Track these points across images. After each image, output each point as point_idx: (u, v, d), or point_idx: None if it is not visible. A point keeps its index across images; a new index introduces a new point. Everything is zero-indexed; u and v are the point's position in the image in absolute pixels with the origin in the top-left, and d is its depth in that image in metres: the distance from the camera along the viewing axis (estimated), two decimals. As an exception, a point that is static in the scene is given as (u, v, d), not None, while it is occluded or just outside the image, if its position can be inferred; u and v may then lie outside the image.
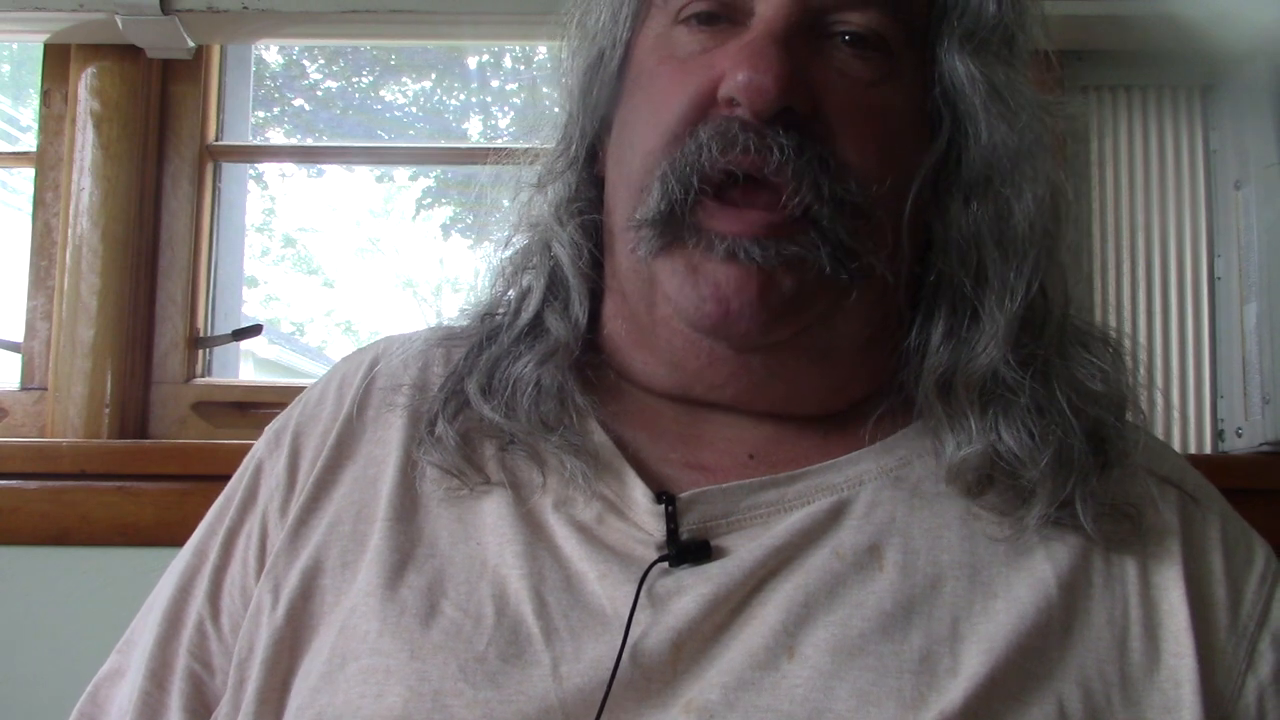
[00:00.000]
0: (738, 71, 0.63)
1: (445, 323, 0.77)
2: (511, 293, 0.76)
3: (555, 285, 0.74)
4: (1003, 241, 0.67)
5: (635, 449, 0.69)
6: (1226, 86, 1.25)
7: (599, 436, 0.69)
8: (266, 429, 0.77)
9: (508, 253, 0.77)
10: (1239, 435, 1.21)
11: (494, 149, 0.81)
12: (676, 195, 0.63)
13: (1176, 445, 1.23)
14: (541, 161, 0.77)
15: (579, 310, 0.72)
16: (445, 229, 3.35)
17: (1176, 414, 1.23)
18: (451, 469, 0.68)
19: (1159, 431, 1.22)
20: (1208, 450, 1.23)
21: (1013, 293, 0.67)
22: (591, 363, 0.72)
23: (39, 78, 1.33)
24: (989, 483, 0.66)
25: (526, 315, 0.73)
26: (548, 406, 0.68)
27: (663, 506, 0.65)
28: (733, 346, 0.66)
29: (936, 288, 0.69)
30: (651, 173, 0.65)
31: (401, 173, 3.38)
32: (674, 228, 0.64)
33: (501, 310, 0.75)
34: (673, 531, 0.64)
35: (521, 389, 0.69)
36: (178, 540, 1.15)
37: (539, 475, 0.67)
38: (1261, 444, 1.18)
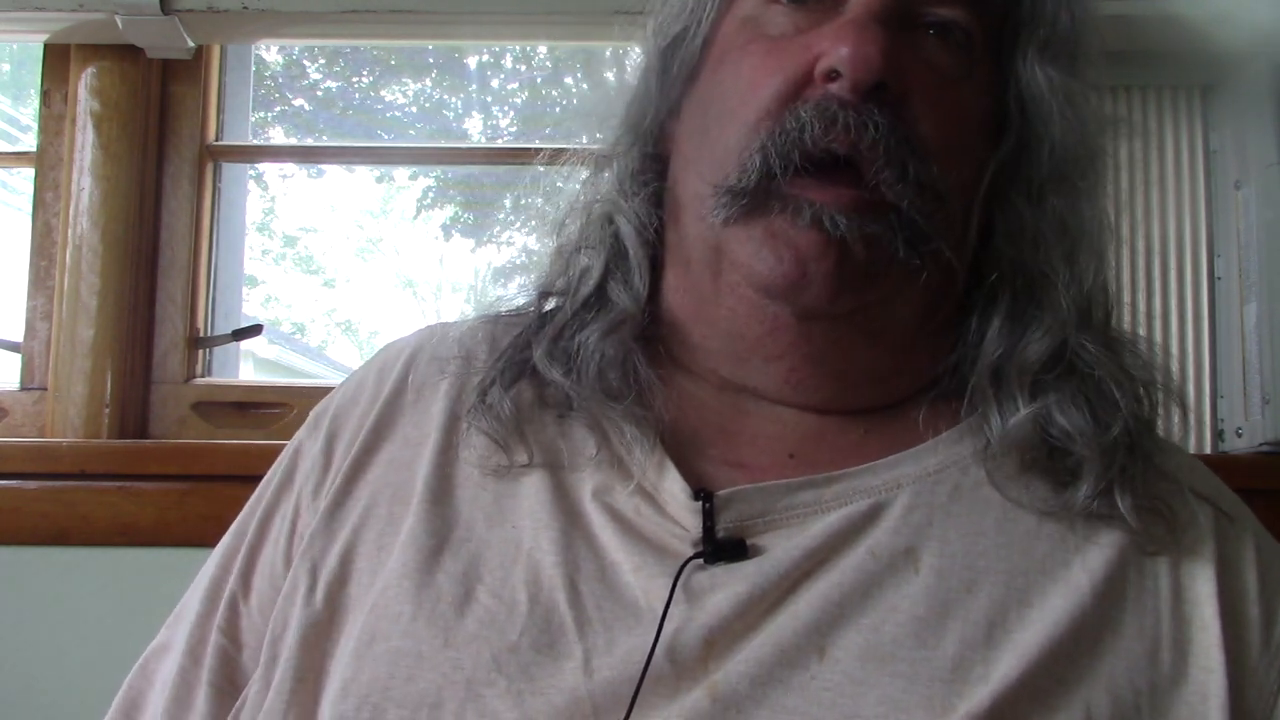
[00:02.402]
0: (842, 45, 0.64)
1: (494, 308, 0.78)
2: (561, 279, 0.76)
3: (616, 259, 0.74)
4: (1070, 234, 0.70)
5: (677, 439, 0.69)
6: (1226, 86, 1.25)
7: (649, 420, 0.69)
8: (310, 413, 0.78)
9: (567, 234, 0.77)
10: (1239, 435, 1.21)
11: (536, 149, 0.82)
12: (776, 168, 0.65)
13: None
14: (594, 148, 0.78)
15: (640, 283, 0.73)
16: (445, 229, 3.35)
17: (1177, 414, 1.23)
18: (499, 439, 0.68)
19: (1158, 432, 1.22)
20: (1208, 450, 1.23)
21: (1080, 282, 0.69)
22: (654, 336, 0.73)
23: (39, 78, 1.33)
24: (1037, 458, 0.67)
25: (588, 289, 0.74)
26: (613, 375, 0.69)
27: (700, 503, 0.65)
28: (796, 313, 0.67)
29: (999, 277, 0.71)
30: (748, 145, 0.66)
31: (401, 173, 3.38)
32: (761, 198, 0.65)
33: (558, 289, 0.76)
34: (709, 529, 0.64)
35: (588, 357, 0.69)
36: (178, 540, 1.16)
37: (594, 445, 0.68)
38: (1261, 444, 1.18)
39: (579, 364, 0.69)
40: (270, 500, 0.74)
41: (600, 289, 0.73)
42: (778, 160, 0.64)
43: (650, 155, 0.76)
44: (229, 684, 0.70)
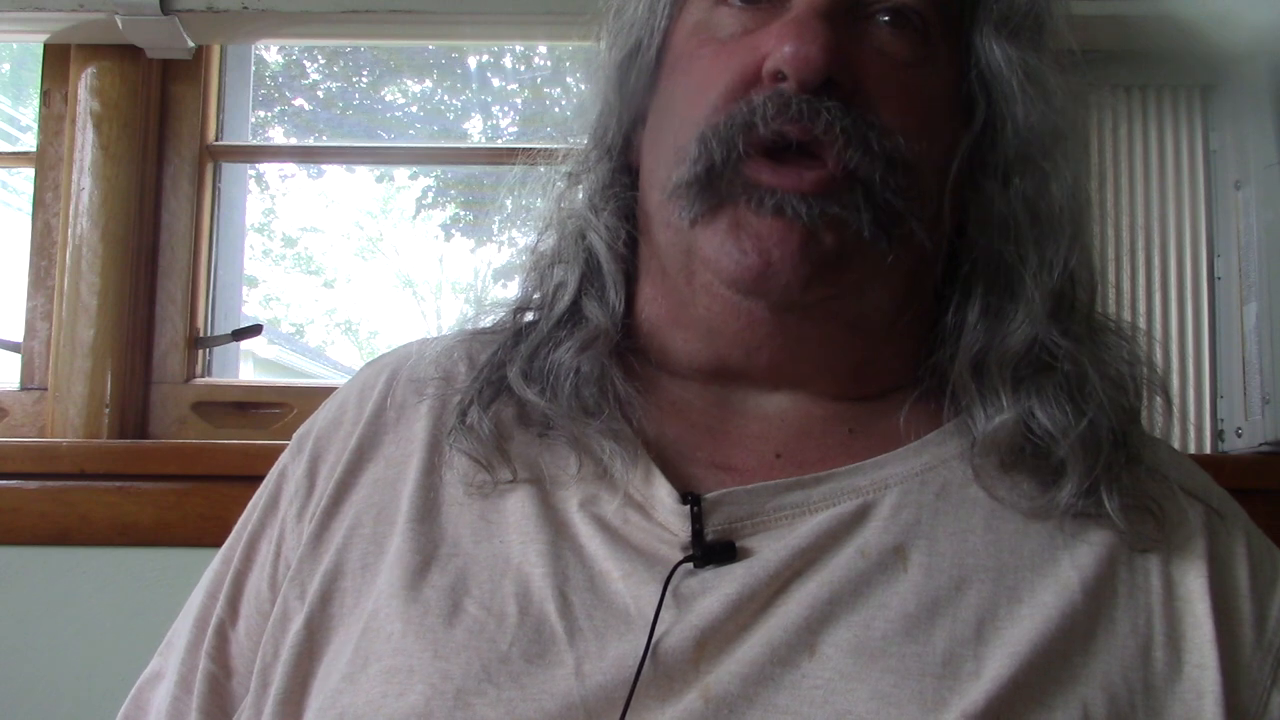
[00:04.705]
0: (784, 45, 0.64)
1: (470, 324, 0.77)
2: (537, 293, 0.76)
3: (591, 274, 0.74)
4: (1039, 219, 0.69)
5: (663, 446, 0.69)
6: (1226, 86, 1.25)
7: (628, 433, 0.69)
8: (293, 436, 0.77)
9: (543, 247, 0.77)
10: (1239, 435, 1.21)
11: (524, 149, 0.82)
12: (718, 155, 0.64)
13: (1176, 445, 1.23)
14: (571, 158, 0.78)
15: (615, 297, 0.73)
16: (445, 229, 3.35)
17: (1176, 414, 1.23)
18: (481, 459, 0.68)
19: (1158, 432, 1.22)
20: (1208, 450, 1.23)
21: (1050, 268, 0.68)
22: (631, 348, 0.73)
23: (39, 78, 1.33)
24: (1020, 458, 0.67)
25: (562, 305, 0.73)
26: (589, 392, 0.68)
27: (688, 507, 0.64)
28: (770, 305, 0.66)
29: (973, 267, 0.70)
30: (690, 137, 0.66)
31: (401, 173, 3.38)
32: (716, 187, 0.65)
33: (534, 304, 0.76)
34: (698, 532, 0.64)
35: (563, 375, 0.69)
36: (178, 540, 1.16)
37: (575, 463, 0.67)
38: (1261, 444, 1.18)
39: (554, 382, 0.69)
40: (255, 525, 0.74)
41: (575, 305, 0.73)
42: (718, 146, 0.64)
43: (619, 168, 0.76)
44: (219, 710, 0.70)
